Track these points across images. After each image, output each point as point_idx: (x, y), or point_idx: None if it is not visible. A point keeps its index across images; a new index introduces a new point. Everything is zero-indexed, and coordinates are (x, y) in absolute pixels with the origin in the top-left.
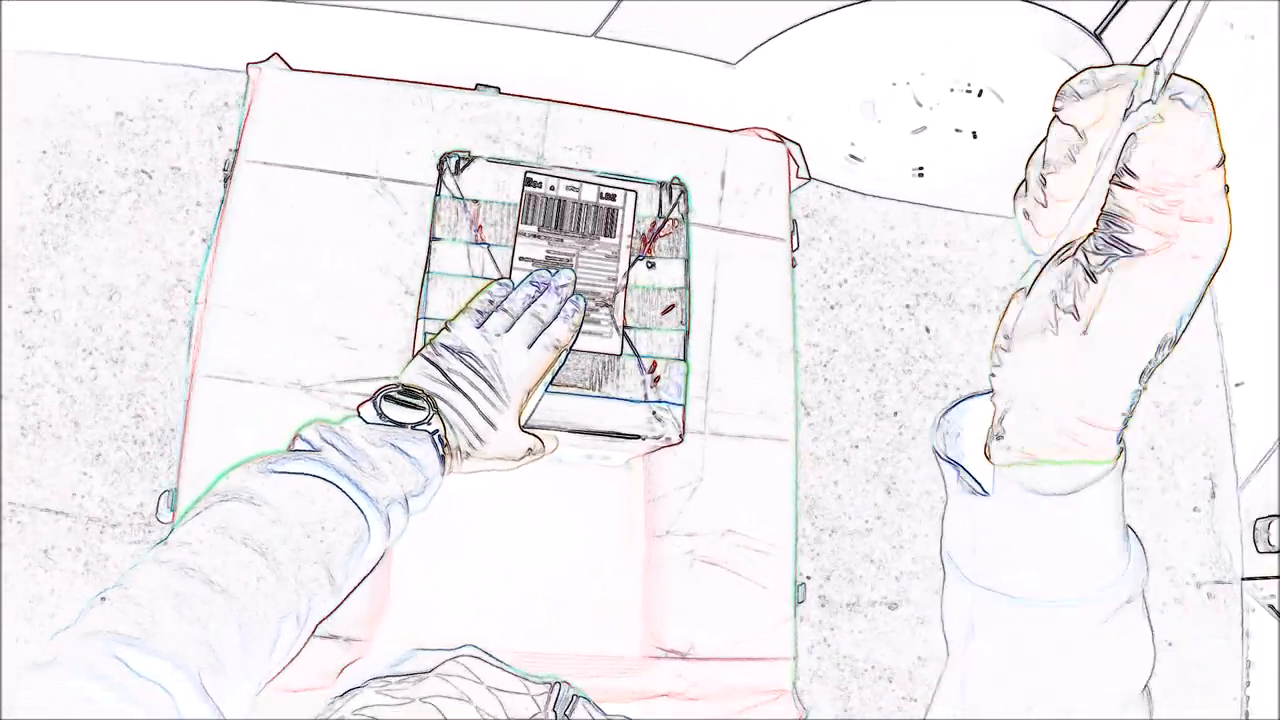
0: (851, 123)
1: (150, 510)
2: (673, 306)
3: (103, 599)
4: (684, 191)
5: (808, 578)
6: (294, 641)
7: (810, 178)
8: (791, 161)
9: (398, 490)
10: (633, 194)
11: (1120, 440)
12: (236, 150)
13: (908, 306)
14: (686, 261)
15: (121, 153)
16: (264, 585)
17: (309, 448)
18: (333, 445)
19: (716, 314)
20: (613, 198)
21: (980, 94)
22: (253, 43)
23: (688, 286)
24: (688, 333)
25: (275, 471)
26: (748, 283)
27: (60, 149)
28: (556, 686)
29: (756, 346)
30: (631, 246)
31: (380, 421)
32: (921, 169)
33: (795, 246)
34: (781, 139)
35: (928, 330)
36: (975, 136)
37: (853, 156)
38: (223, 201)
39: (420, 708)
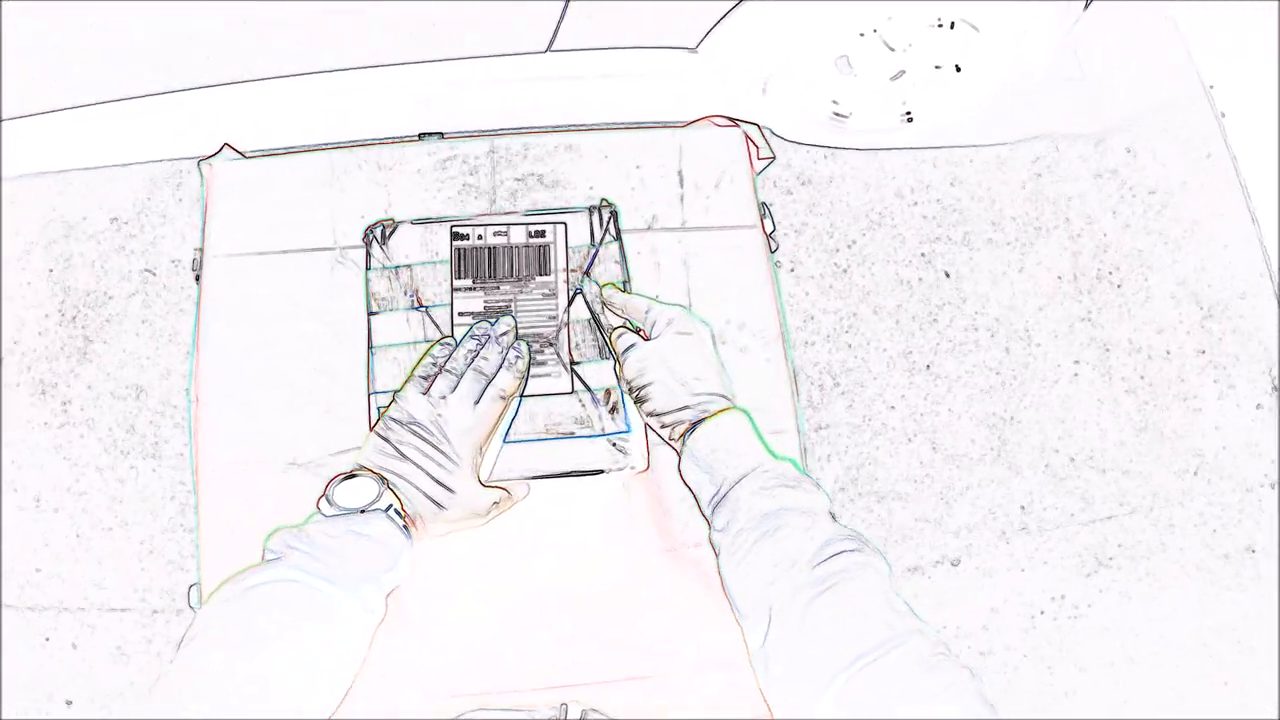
0: (829, 81)
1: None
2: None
3: None
4: (614, 212)
5: None
6: None
7: (774, 156)
8: (750, 144)
9: (364, 571)
10: (561, 226)
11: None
12: (202, 248)
13: (923, 255)
14: (626, 283)
15: (122, 256)
16: (258, 700)
17: (275, 556)
18: (294, 548)
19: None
20: (542, 234)
21: (953, 26)
22: (218, 126)
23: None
24: None
25: (247, 589)
26: (723, 279)
27: (65, 264)
28: (564, 706)
29: (741, 341)
30: (569, 280)
31: (336, 511)
32: (909, 113)
33: (771, 229)
34: (736, 122)
35: (947, 275)
36: (959, 70)
37: (837, 114)
38: (197, 301)
39: None
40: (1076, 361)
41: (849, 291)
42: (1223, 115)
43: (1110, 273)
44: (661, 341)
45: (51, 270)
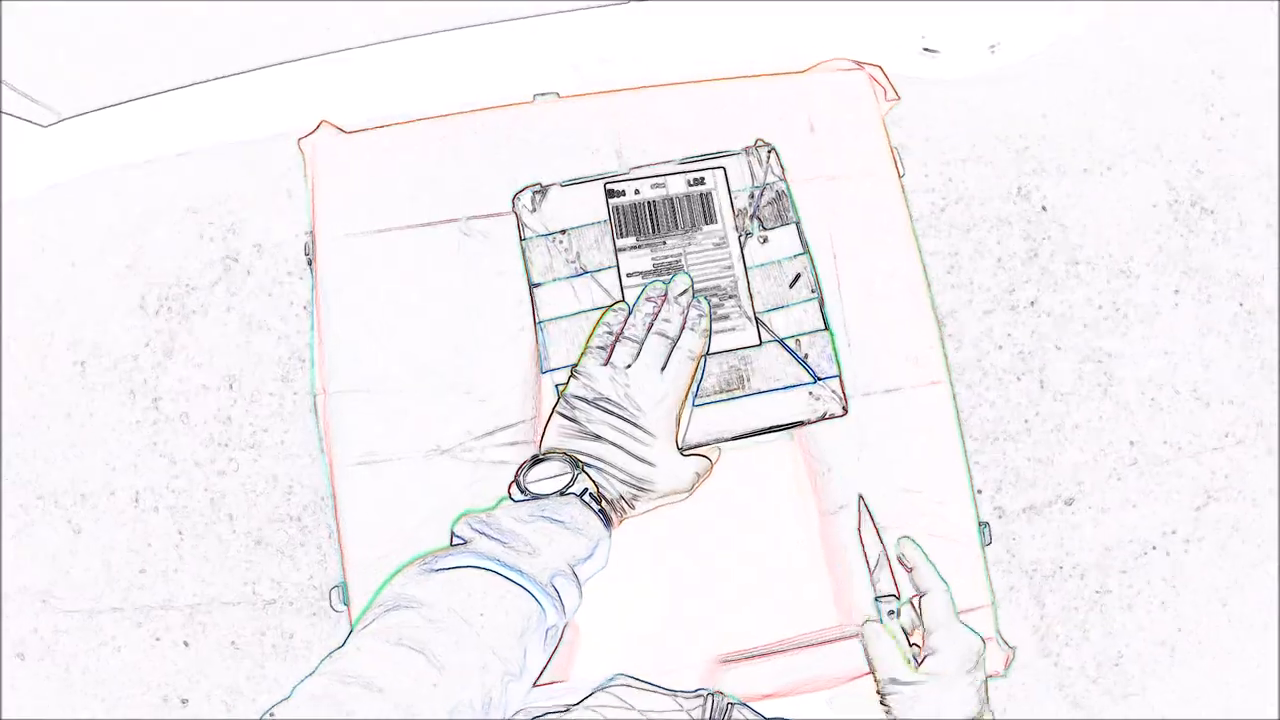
0: (916, 15)
1: (319, 580)
2: (799, 275)
3: (270, 715)
4: (771, 150)
5: (985, 524)
6: None
7: (899, 97)
8: (875, 85)
9: (558, 561)
10: (720, 170)
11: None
12: (312, 231)
13: (1019, 189)
14: (798, 224)
15: (202, 244)
16: (425, 679)
17: (461, 541)
18: (482, 533)
19: (841, 270)
20: (702, 181)
21: None
22: (297, 103)
23: (806, 250)
24: (822, 298)
25: (431, 570)
26: (865, 228)
27: (143, 257)
28: (710, 697)
29: (888, 291)
30: (738, 226)
31: (525, 497)
32: (994, 45)
33: (902, 173)
34: (861, 65)
35: (1044, 208)
36: None
37: (926, 49)
38: (312, 286)
39: None
40: (1177, 291)
41: (948, 230)
42: None
43: (1204, 197)
44: (941, 688)
45: (129, 266)
